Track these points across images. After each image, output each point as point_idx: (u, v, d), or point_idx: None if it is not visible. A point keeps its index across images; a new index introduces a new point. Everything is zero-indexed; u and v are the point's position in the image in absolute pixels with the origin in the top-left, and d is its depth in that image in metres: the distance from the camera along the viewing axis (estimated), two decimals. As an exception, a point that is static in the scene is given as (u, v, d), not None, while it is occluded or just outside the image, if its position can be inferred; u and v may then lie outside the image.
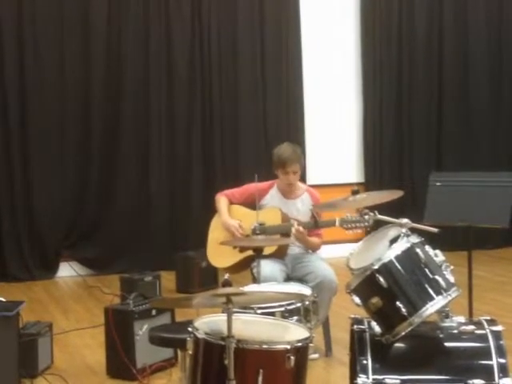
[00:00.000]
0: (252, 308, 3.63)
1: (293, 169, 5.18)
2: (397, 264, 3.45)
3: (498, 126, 9.47)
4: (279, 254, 5.16)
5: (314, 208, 5.08)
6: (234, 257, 5.18)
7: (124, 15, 8.37)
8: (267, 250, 4.96)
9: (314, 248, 5.31)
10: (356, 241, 3.96)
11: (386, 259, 3.45)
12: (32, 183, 8.20)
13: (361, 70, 9.21)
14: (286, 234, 5.07)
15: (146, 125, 8.49)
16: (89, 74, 8.32)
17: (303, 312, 3.85)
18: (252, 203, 5.08)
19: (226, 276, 3.68)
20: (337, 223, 4.91)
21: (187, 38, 8.56)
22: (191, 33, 8.57)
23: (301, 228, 5.02)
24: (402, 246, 3.49)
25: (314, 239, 5.26)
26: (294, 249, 5.26)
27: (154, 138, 8.50)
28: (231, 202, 5.38)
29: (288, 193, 5.31)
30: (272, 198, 5.29)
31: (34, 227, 8.23)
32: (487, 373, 3.35)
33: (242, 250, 5.08)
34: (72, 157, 8.35)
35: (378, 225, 3.97)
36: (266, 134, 8.78)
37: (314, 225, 5.06)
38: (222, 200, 5.39)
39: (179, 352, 4.34)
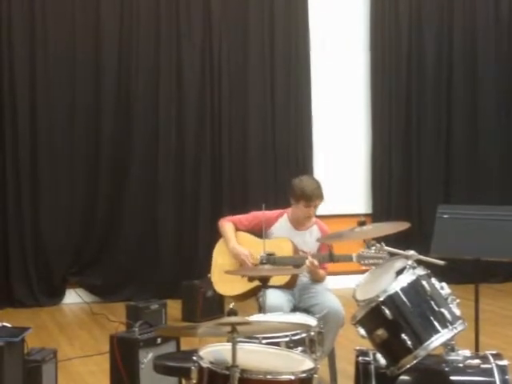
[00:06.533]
0: (257, 338, 3.62)
1: (316, 203, 5.18)
2: (402, 296, 3.44)
3: (508, 160, 9.44)
4: (290, 285, 5.13)
5: (321, 239, 5.06)
6: (243, 285, 5.13)
7: (135, 52, 8.43)
8: (277, 281, 4.94)
9: (321, 280, 5.30)
10: (363, 272, 3.96)
11: (391, 291, 3.44)
12: (39, 210, 8.19)
13: (370, 103, 9.23)
14: (297, 265, 5.03)
15: (154, 152, 8.50)
16: (99, 108, 8.34)
17: (308, 343, 3.81)
18: (259, 231, 5.06)
19: (232, 305, 3.67)
20: (354, 259, 4.82)
21: (197, 74, 8.58)
22: (201, 73, 8.60)
23: (315, 261, 4.98)
24: (407, 278, 3.48)
25: (321, 272, 5.22)
26: (302, 279, 5.21)
27: (162, 166, 8.50)
28: (237, 229, 5.33)
29: (299, 224, 5.26)
30: (281, 227, 5.26)
31: (40, 254, 8.22)
32: (492, 407, 3.35)
33: (251, 279, 5.06)
34: (79, 183, 8.35)
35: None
36: (275, 165, 8.77)
37: (330, 258, 5.03)
38: (227, 226, 5.33)
39: (183, 381, 4.33)
